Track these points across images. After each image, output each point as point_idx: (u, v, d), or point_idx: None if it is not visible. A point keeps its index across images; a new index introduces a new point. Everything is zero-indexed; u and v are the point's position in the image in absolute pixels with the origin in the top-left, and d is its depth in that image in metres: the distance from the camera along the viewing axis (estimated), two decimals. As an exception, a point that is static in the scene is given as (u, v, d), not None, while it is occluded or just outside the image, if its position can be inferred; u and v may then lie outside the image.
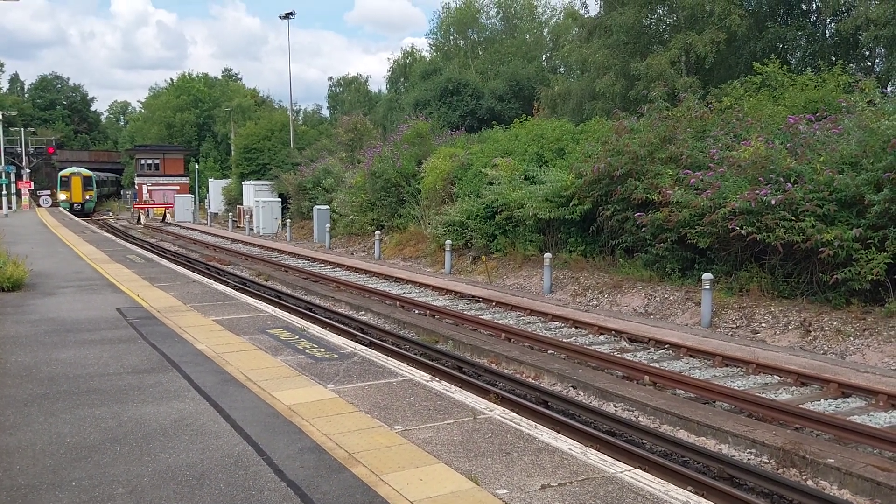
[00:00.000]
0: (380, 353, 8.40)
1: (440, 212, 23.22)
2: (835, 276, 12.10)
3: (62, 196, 57.06)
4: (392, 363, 7.71)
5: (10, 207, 48.11)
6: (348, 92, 78.61)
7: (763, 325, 12.79)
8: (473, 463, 4.82)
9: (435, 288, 18.20)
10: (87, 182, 57.59)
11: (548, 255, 17.52)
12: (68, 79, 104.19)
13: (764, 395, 9.25)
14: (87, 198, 57.59)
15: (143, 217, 50.88)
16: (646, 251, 16.13)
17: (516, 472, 4.67)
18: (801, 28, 26.33)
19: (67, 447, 5.12)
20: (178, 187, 59.02)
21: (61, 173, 59.10)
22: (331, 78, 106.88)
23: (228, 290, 13.39)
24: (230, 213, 46.25)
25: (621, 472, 4.72)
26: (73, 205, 55.52)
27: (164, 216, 51.17)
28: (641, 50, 27.36)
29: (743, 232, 13.10)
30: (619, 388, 9.65)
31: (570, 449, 5.14)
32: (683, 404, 8.99)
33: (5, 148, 61.17)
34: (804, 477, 7.11)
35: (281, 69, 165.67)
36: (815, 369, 10.20)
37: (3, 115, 52.02)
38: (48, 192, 61.94)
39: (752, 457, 7.62)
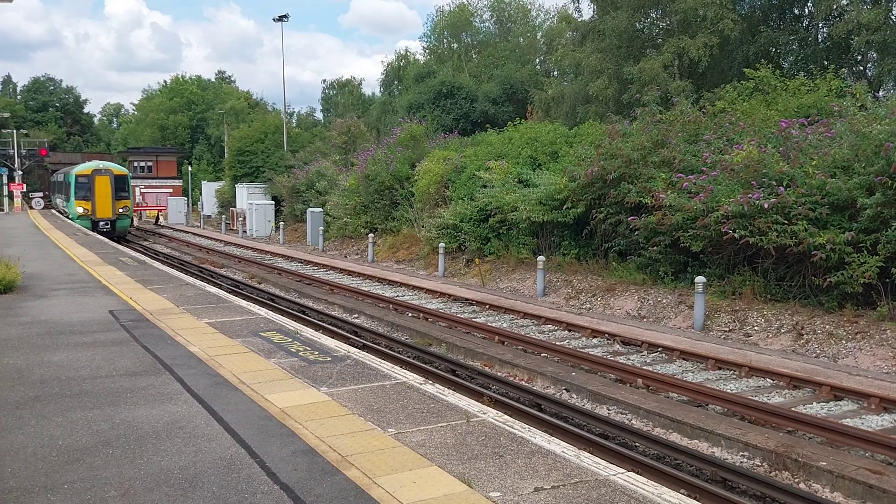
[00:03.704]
0: (373, 356, 8.38)
1: (434, 215, 23.22)
2: (827, 280, 12.16)
3: (79, 209, 34.73)
4: (385, 366, 7.69)
5: (1, 210, 47.91)
6: (342, 94, 78.69)
7: (756, 328, 12.83)
8: (467, 465, 4.82)
9: (428, 291, 18.19)
10: (120, 185, 35.56)
11: (541, 258, 17.55)
12: (61, 81, 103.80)
13: (756, 399, 9.29)
14: (122, 210, 35.53)
15: (135, 219, 50.73)
16: (639, 254, 16.16)
17: (509, 475, 4.67)
18: (793, 32, 26.48)
19: (59, 450, 5.09)
20: (171, 190, 58.79)
21: (77, 171, 36.29)
22: (325, 80, 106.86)
23: (221, 293, 13.34)
24: (223, 216, 46.13)
25: (614, 475, 4.72)
26: (99, 222, 34.18)
27: (157, 218, 51.04)
28: (635, 54, 27.48)
29: (736, 235, 13.15)
30: (612, 391, 9.67)
31: (563, 452, 5.14)
32: (676, 407, 9.01)
33: (-3, 150, 60.80)
34: (796, 480, 7.13)
35: (275, 71, 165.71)
36: (808, 372, 10.24)
37: (-5, 116, 51.30)
38: (41, 194, 61.21)
39: (745, 460, 7.64)
